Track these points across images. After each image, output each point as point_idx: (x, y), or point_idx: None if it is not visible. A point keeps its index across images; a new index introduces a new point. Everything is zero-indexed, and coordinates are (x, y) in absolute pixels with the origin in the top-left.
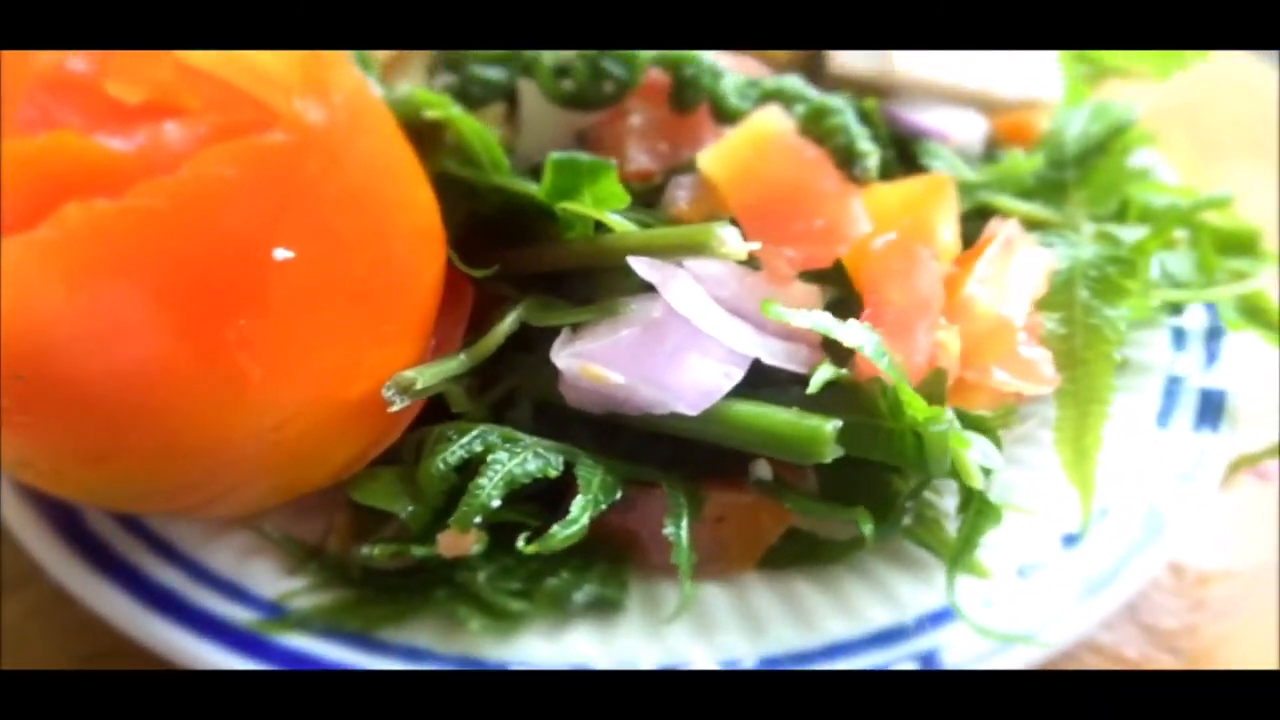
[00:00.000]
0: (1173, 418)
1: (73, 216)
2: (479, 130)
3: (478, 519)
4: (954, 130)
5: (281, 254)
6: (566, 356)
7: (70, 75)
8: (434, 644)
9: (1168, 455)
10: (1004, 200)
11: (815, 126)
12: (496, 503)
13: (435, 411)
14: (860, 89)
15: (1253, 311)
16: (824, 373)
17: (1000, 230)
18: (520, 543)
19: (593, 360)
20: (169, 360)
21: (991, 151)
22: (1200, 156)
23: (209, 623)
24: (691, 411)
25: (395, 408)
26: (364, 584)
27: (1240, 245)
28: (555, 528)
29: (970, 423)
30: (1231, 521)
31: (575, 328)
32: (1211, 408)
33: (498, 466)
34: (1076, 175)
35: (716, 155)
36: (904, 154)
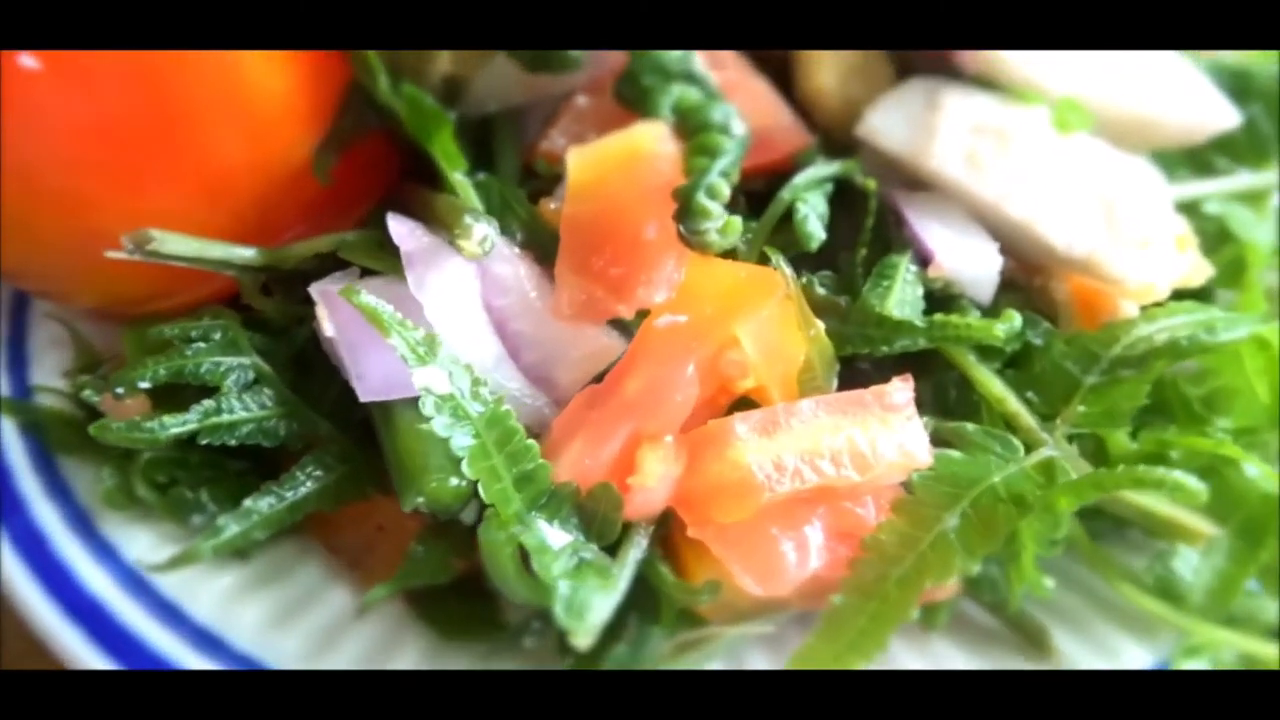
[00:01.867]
0: None
1: None
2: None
3: (120, 389)
4: (947, 253)
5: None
6: (317, 289)
7: None
8: (79, 487)
9: None
10: (965, 357)
11: (688, 164)
12: (145, 384)
13: None
14: (891, 169)
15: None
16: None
17: (882, 390)
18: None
19: (326, 302)
20: None
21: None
22: None
23: None
24: (360, 396)
25: (116, 254)
26: (89, 412)
27: None
28: (136, 418)
29: (657, 579)
30: None
31: (366, 272)
32: None
33: (176, 356)
34: (1098, 382)
35: (582, 154)
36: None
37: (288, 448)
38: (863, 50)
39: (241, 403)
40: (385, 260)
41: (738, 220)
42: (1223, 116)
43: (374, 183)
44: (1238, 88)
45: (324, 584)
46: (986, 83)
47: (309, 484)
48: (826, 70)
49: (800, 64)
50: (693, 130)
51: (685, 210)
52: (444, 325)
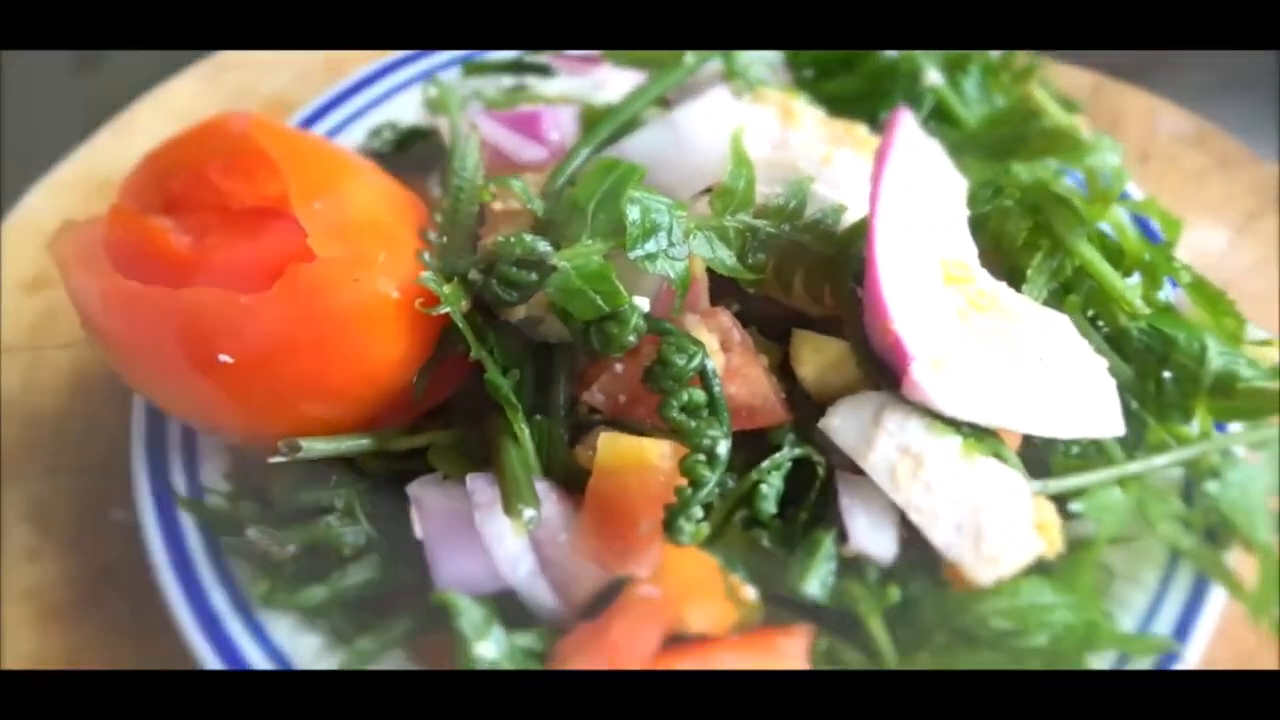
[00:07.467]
0: None
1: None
2: None
3: (275, 548)
4: (861, 535)
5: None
6: (413, 490)
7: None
8: (238, 574)
9: None
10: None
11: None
12: (291, 547)
13: None
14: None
15: None
16: None
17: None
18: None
19: (417, 505)
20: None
21: None
22: None
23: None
24: (435, 585)
25: (277, 459)
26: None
27: None
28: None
29: None
30: None
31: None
32: None
33: (312, 527)
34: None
35: (609, 443)
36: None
37: None
38: (841, 350)
39: (357, 567)
40: (462, 464)
41: (705, 528)
42: (1109, 426)
43: (449, 382)
44: None
45: None
46: (920, 408)
47: None
48: (807, 365)
49: (793, 356)
50: (690, 446)
51: (670, 525)
52: (497, 548)
